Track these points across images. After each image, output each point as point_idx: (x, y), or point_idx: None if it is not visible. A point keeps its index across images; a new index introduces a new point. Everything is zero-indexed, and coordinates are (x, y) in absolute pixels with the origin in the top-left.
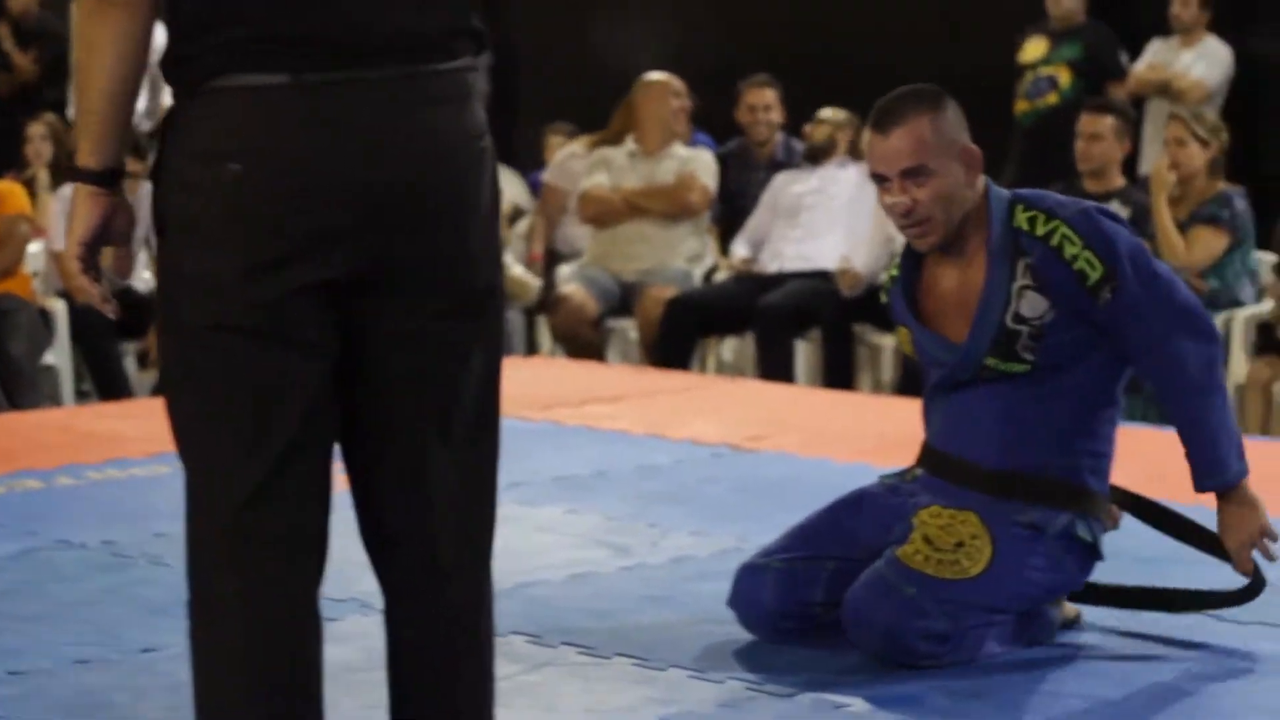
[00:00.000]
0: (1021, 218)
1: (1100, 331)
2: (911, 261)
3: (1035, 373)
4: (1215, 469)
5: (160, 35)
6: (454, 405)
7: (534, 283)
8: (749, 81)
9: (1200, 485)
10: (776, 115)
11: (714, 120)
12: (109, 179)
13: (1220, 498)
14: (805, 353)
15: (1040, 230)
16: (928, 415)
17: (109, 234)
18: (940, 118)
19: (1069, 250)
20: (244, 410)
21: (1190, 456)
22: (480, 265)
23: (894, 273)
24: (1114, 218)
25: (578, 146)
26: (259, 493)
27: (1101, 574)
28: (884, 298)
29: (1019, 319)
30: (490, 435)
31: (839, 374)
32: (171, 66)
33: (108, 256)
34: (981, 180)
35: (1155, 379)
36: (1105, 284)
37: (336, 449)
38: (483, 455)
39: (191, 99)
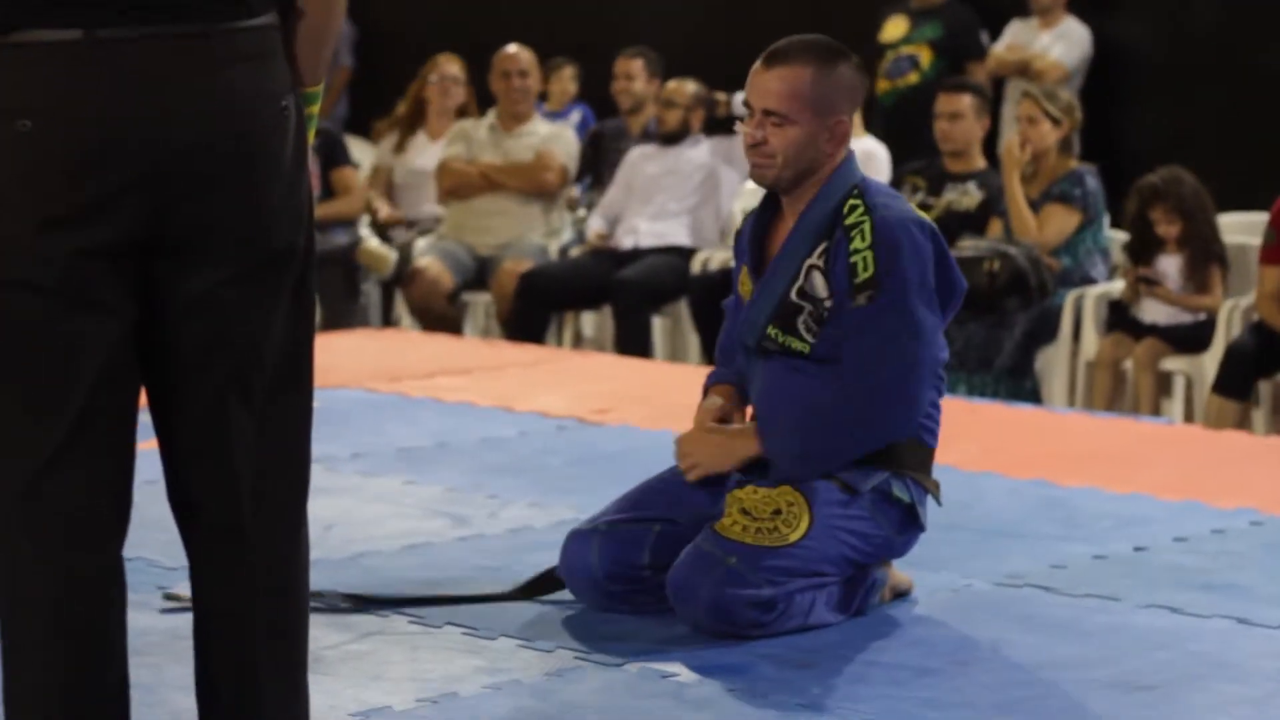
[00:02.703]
0: (848, 204)
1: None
2: (770, 209)
3: (816, 357)
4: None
5: None
6: (254, 368)
7: (390, 255)
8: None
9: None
10: (640, 85)
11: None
12: None
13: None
14: (662, 327)
15: (850, 220)
16: (747, 377)
17: None
18: (826, 75)
19: (856, 243)
20: (37, 371)
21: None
22: (278, 226)
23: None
24: (938, 248)
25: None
26: (55, 457)
27: (938, 545)
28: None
29: (803, 294)
30: (297, 398)
31: (702, 349)
32: None
33: None
34: (843, 154)
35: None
36: (866, 289)
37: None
38: (288, 419)
39: None
